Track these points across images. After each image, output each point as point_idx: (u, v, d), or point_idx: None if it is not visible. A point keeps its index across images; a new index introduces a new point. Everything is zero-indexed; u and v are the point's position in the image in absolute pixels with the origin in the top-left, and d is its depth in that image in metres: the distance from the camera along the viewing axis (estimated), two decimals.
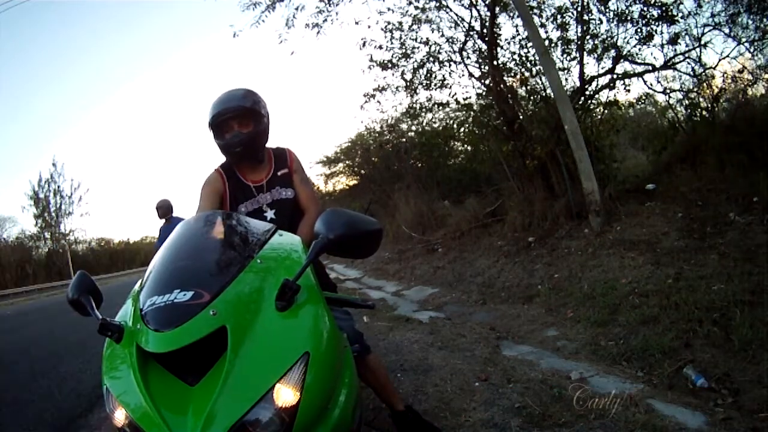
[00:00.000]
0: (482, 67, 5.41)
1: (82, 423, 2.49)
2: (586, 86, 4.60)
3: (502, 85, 4.98)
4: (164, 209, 4.25)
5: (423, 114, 6.23)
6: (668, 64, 4.44)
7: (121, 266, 24.61)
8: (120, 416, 0.78)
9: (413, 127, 7.46)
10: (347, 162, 10.11)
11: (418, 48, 5.54)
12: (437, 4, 5.23)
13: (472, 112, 5.80)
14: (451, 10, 5.32)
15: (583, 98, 4.58)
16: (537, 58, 4.82)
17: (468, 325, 3.14)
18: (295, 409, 0.71)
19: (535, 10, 5.15)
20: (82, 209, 26.68)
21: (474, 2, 5.26)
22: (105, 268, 22.24)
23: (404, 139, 7.59)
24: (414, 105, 6.05)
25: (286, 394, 0.71)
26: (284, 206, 1.46)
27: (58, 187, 23.62)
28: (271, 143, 1.55)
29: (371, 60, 5.81)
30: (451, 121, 6.58)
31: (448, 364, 2.34)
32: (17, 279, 19.71)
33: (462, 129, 6.21)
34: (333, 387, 0.81)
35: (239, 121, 1.40)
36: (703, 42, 4.25)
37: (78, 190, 23.60)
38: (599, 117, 4.72)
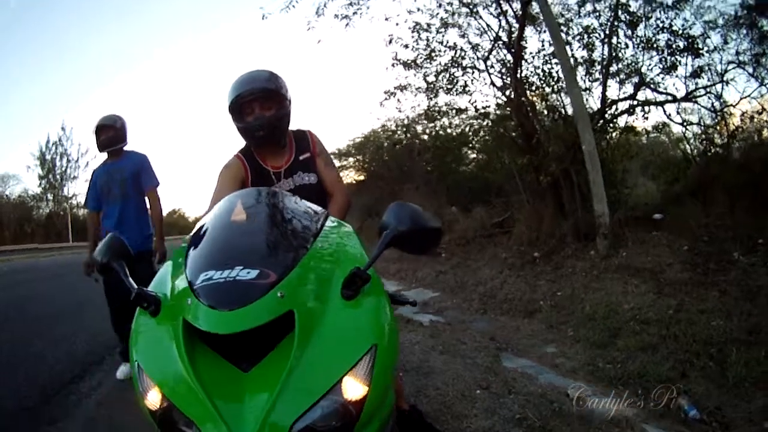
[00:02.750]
0: (504, 77, 5.46)
1: (74, 389, 2.49)
2: (607, 109, 4.65)
3: (523, 98, 5.04)
4: (113, 132, 2.50)
5: (440, 118, 6.28)
6: (689, 97, 4.50)
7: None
8: (154, 399, 0.70)
9: (428, 130, 7.51)
10: (358, 157, 10.17)
11: (443, 51, 5.59)
12: (468, 11, 5.26)
13: (489, 121, 5.86)
14: (480, 17, 5.37)
15: (602, 121, 4.63)
16: (561, 75, 4.89)
17: (468, 333, 3.21)
18: (362, 402, 0.67)
19: (563, 27, 5.21)
20: (87, 175, 26.60)
21: (503, 12, 5.31)
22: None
23: (417, 141, 7.65)
24: (433, 108, 6.11)
25: (353, 387, 0.67)
26: (306, 192, 1.35)
27: (66, 150, 23.59)
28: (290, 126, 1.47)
29: (395, 58, 5.86)
30: (467, 128, 6.63)
31: (449, 368, 2.42)
32: (15, 236, 19.77)
33: (477, 137, 6.26)
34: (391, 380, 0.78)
35: (261, 104, 1.34)
36: (725, 78, 4.31)
37: (85, 156, 23.51)
38: (615, 141, 4.78)
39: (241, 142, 1.47)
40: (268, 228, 0.89)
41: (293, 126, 1.49)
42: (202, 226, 0.93)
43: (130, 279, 0.85)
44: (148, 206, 2.63)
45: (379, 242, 0.83)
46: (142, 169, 2.59)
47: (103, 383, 2.59)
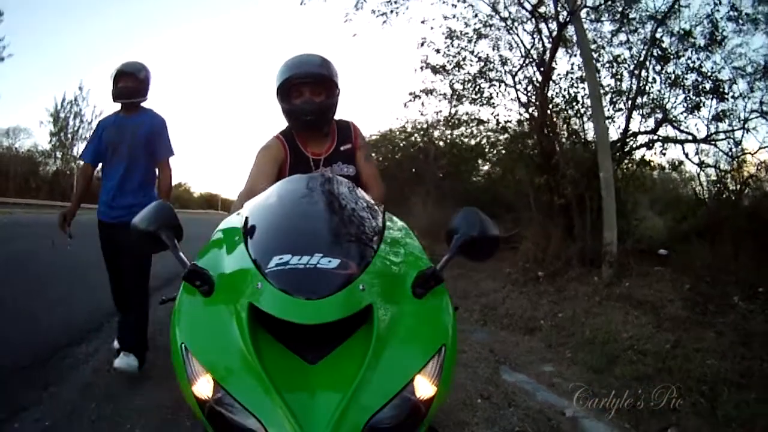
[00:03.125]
0: (530, 95, 5.54)
1: (69, 353, 2.47)
2: (627, 140, 4.74)
3: (546, 119, 5.12)
4: (134, 81, 2.22)
5: (461, 126, 6.37)
6: (709, 138, 4.58)
7: None
8: (205, 388, 0.63)
9: (445, 136, 7.59)
10: (372, 154, 10.20)
11: (473, 61, 5.66)
12: (504, 25, 5.33)
13: (508, 136, 5.94)
14: (516, 33, 5.43)
15: (621, 152, 4.72)
16: (586, 100, 4.97)
17: (468, 342, 3.31)
18: (430, 401, 0.66)
19: (593, 53, 5.27)
20: None
21: (539, 30, 5.38)
22: None
23: (434, 146, 7.73)
24: (454, 115, 6.19)
25: (424, 387, 0.66)
26: None
27: (80, 110, 23.63)
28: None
29: (425, 61, 5.93)
30: (484, 140, 6.72)
31: None
32: (19, 190, 19.83)
33: (495, 150, 6.35)
34: None
35: (312, 89, 1.32)
36: (747, 126, 4.39)
37: (98, 118, 23.53)
38: (631, 172, 4.87)
39: (260, 125, 1.47)
40: (340, 216, 0.85)
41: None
42: (259, 206, 0.89)
43: (181, 253, 0.77)
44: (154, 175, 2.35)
45: (452, 246, 0.83)
46: (159, 134, 2.28)
47: (100, 350, 2.58)
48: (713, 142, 4.56)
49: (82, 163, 2.46)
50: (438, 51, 5.75)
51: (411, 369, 0.66)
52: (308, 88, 1.32)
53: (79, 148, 23.70)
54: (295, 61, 1.34)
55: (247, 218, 0.84)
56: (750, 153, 4.40)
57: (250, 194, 1.19)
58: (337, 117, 1.48)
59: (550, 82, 5.25)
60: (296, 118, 1.36)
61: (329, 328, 0.67)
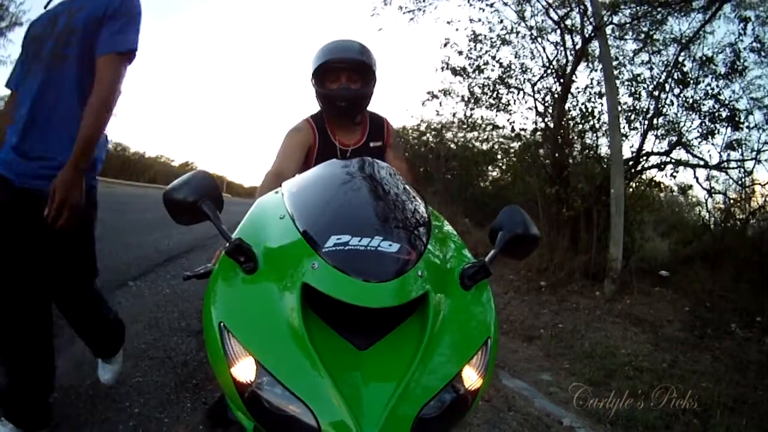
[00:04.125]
0: (547, 105, 5.58)
1: (64, 329, 2.31)
2: (640, 159, 4.79)
3: (561, 130, 5.16)
4: None
5: (476, 129, 6.40)
6: (721, 166, 4.64)
7: (130, 176, 24.46)
8: (247, 370, 0.60)
9: (457, 138, 7.62)
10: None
11: (495, 67, 5.68)
12: (530, 34, 5.35)
13: (521, 143, 5.98)
14: (540, 43, 5.45)
15: (632, 170, 4.77)
16: (603, 116, 5.01)
17: None
18: (476, 393, 0.67)
19: (614, 70, 5.31)
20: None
21: (564, 42, 5.40)
22: (114, 174, 22.09)
23: (445, 147, 7.76)
24: (470, 118, 6.23)
25: (472, 378, 0.66)
26: None
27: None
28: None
29: (446, 62, 5.95)
30: (497, 146, 6.75)
31: None
32: None
33: (507, 157, 6.39)
34: None
35: (349, 75, 1.30)
36: (759, 157, 4.45)
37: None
38: (640, 192, 4.93)
39: (270, 110, 1.44)
40: (393, 202, 0.81)
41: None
42: (304, 186, 0.86)
43: (224, 226, 0.72)
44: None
45: (497, 242, 0.83)
46: (114, 17, 1.22)
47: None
48: (724, 170, 4.62)
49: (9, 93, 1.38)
50: (461, 53, 5.78)
51: (461, 360, 0.66)
52: (345, 74, 1.30)
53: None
54: (334, 46, 1.30)
55: (289, 198, 0.81)
56: (760, 184, 4.46)
57: (279, 176, 1.18)
58: (371, 109, 1.44)
59: (569, 94, 5.28)
60: (330, 103, 1.33)
61: (380, 314, 0.65)
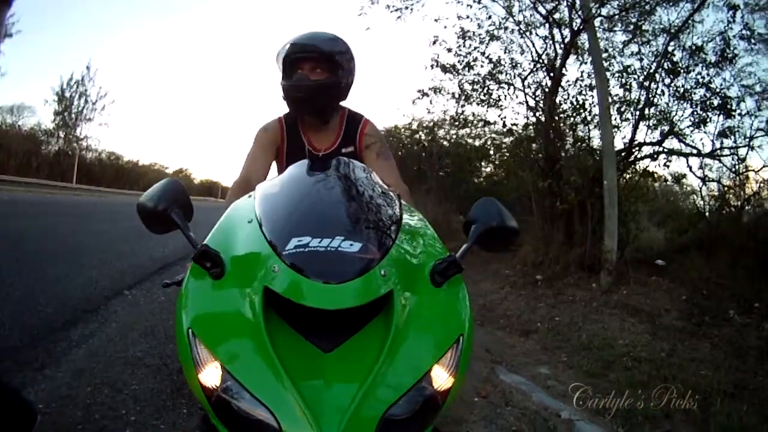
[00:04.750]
0: (538, 99, 5.56)
1: (63, 336, 2.41)
2: (633, 150, 4.77)
3: (553, 124, 5.15)
4: None
5: (467, 126, 6.38)
6: (714, 154, 4.62)
7: (124, 185, 24.65)
8: (213, 375, 0.60)
9: (449, 136, 7.61)
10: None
11: (484, 63, 5.67)
12: (518, 29, 5.34)
13: (513, 139, 5.96)
14: (529, 37, 5.45)
15: (625, 161, 4.75)
16: (594, 108, 5.00)
17: None
18: (447, 393, 0.65)
19: (604, 62, 5.30)
20: (102, 119, 26.53)
21: (552, 36, 5.39)
22: (107, 183, 22.34)
23: (437, 145, 7.75)
24: (461, 116, 6.20)
25: (441, 377, 0.64)
26: None
27: (86, 90, 23.63)
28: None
29: (436, 59, 5.93)
30: (488, 142, 6.74)
31: None
32: (20, 168, 19.69)
33: (499, 152, 6.37)
34: None
35: (312, 66, 1.20)
36: (752, 144, 4.44)
37: (103, 99, 23.64)
38: (634, 182, 4.91)
39: (265, 115, 1.33)
40: (359, 201, 0.81)
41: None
42: (274, 189, 0.86)
43: (191, 233, 0.74)
44: None
45: (470, 235, 0.81)
46: None
47: (96, 333, 2.53)
48: (717, 158, 4.60)
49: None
50: (449, 50, 5.75)
51: (429, 359, 0.64)
52: (308, 65, 1.20)
53: (82, 129, 23.70)
54: (300, 36, 1.22)
55: (260, 201, 0.80)
56: (753, 170, 4.45)
57: (246, 182, 1.16)
58: (354, 108, 1.36)
59: (559, 88, 5.27)
60: (288, 95, 1.23)
61: (345, 315, 0.65)
